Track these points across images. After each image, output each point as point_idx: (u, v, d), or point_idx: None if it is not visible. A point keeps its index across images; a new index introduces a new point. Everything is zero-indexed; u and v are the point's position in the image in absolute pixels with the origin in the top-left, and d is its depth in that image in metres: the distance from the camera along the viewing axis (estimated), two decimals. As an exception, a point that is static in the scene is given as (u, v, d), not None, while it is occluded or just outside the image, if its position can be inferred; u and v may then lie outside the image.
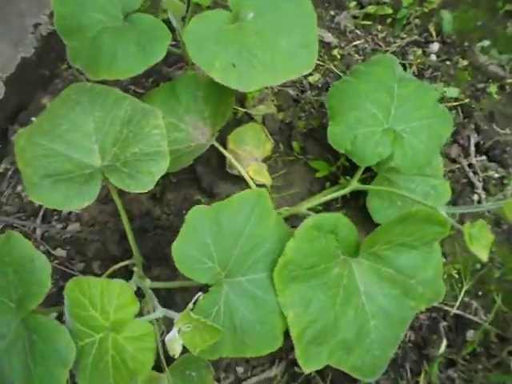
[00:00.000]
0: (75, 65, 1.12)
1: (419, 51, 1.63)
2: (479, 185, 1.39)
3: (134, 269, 1.06)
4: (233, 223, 0.88)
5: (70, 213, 1.38)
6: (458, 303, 1.22)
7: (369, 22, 1.72)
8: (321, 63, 1.61)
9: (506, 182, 1.41)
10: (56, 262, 1.28)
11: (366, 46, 1.67)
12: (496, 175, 1.42)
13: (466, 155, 1.46)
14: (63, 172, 0.91)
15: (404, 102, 1.17)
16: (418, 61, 1.60)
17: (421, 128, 1.17)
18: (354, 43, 1.66)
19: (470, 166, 1.44)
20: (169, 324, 0.86)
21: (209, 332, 0.73)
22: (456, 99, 1.55)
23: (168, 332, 0.76)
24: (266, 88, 1.55)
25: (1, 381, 0.81)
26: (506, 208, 0.99)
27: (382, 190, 1.25)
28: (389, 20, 1.72)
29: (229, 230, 0.88)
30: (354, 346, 0.96)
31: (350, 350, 0.96)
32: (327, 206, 1.35)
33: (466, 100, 1.54)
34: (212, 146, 1.20)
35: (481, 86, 1.57)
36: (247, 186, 1.21)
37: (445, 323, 1.21)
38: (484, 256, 1.02)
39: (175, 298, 1.18)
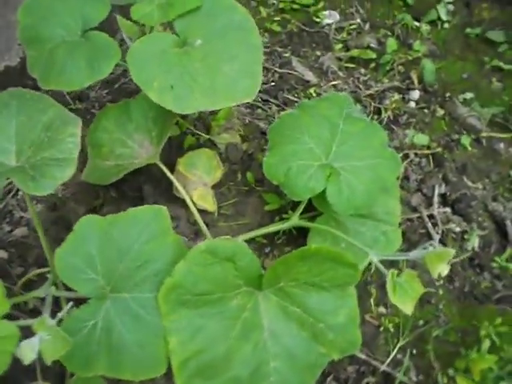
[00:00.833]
0: (32, 73, 1.17)
1: (397, 97, 1.61)
2: (436, 237, 1.32)
3: (49, 276, 1.06)
4: (123, 237, 0.86)
5: (21, 217, 1.40)
6: (389, 360, 1.13)
7: (353, 65, 1.72)
8: (295, 99, 1.61)
9: (466, 236, 1.33)
10: (-4, 262, 1.30)
11: (346, 87, 1.66)
12: (457, 229, 1.35)
13: (428, 205, 1.39)
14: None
15: (348, 139, 1.14)
16: (394, 106, 1.57)
17: (363, 168, 1.13)
18: (333, 83, 1.66)
19: (431, 216, 1.37)
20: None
21: (60, 342, 0.71)
22: (428, 147, 1.50)
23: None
24: (237, 118, 1.57)
25: None
26: (428, 260, 0.93)
27: (324, 229, 1.20)
28: (373, 64, 1.71)
29: (117, 243, 0.86)
30: (248, 385, 0.89)
31: (244, 389, 0.89)
32: (271, 241, 1.31)
33: (439, 149, 1.49)
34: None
35: (455, 136, 1.52)
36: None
37: (372, 379, 1.12)
38: (408, 309, 0.95)
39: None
